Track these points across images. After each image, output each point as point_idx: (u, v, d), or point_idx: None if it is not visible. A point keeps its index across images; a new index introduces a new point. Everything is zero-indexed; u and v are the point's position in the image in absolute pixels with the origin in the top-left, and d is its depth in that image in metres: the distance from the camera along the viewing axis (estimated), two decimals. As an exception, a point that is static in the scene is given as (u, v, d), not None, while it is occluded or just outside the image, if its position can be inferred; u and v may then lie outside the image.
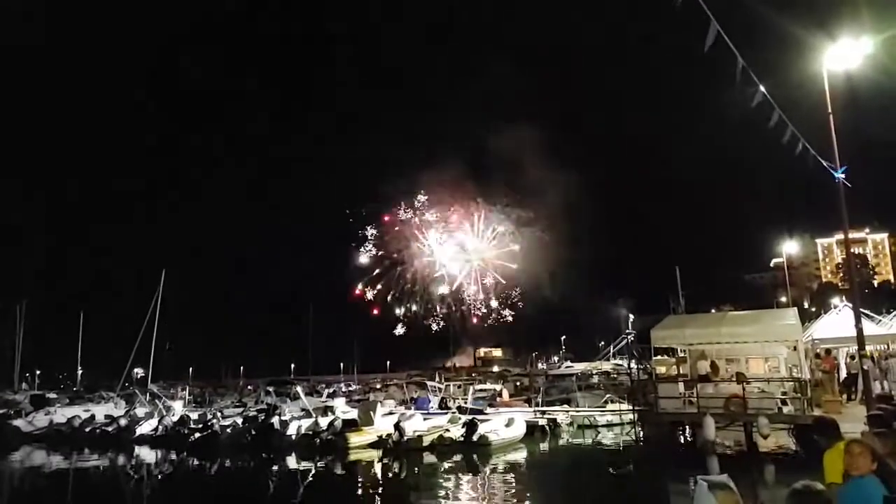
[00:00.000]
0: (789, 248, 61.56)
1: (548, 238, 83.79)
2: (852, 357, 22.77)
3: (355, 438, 25.96)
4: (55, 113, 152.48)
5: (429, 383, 41.02)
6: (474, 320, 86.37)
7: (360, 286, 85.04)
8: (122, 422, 32.67)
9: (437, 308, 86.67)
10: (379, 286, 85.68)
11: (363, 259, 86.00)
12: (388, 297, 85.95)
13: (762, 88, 11.14)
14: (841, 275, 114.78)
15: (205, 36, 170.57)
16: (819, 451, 5.25)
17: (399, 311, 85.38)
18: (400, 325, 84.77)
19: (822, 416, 6.24)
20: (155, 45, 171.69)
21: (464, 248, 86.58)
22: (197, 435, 28.94)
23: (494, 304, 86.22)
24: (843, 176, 15.93)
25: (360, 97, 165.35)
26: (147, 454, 27.99)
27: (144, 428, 31.37)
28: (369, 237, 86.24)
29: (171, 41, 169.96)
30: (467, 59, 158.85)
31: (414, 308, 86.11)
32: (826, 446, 5.19)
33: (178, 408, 34.75)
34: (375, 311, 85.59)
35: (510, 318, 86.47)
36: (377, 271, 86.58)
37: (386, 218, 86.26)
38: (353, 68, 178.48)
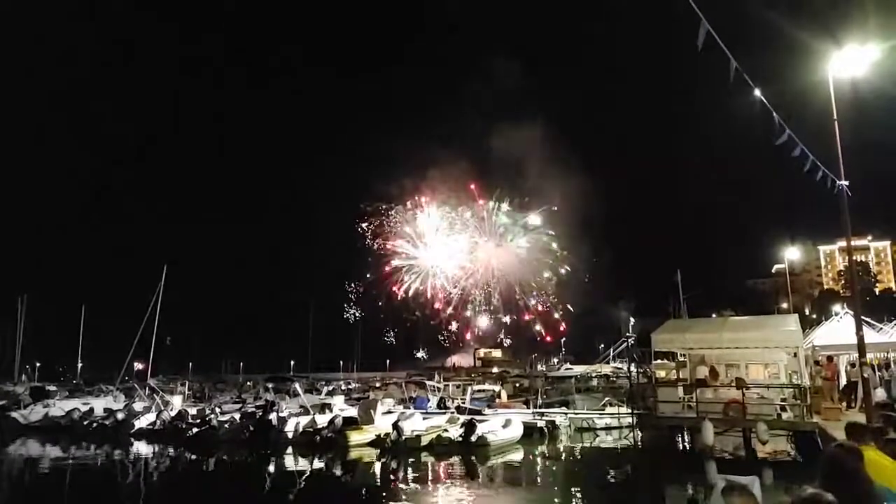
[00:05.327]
0: (791, 254, 61.22)
1: (552, 241, 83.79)
2: (852, 365, 22.71)
3: (355, 437, 25.96)
4: (50, 103, 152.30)
5: (428, 383, 40.98)
6: (477, 321, 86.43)
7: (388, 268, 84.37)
8: (121, 415, 32.67)
9: (439, 307, 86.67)
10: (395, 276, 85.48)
11: (368, 258, 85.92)
12: (394, 294, 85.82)
13: (757, 92, 11.09)
14: (842, 282, 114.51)
15: (209, 26, 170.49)
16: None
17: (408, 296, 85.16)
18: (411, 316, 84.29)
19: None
20: (155, 38, 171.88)
21: (467, 249, 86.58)
22: (195, 430, 28.97)
23: (496, 304, 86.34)
24: (846, 183, 15.89)
25: (364, 93, 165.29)
26: (144, 448, 28.02)
27: (142, 422, 31.39)
28: (373, 234, 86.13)
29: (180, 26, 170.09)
30: (470, 57, 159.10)
31: (418, 289, 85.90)
32: None
33: (176, 402, 34.78)
34: (395, 288, 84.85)
35: (512, 319, 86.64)
36: (383, 268, 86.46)
37: (389, 214, 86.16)
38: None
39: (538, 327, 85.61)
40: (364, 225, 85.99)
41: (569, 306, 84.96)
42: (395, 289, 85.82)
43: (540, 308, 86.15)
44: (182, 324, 68.68)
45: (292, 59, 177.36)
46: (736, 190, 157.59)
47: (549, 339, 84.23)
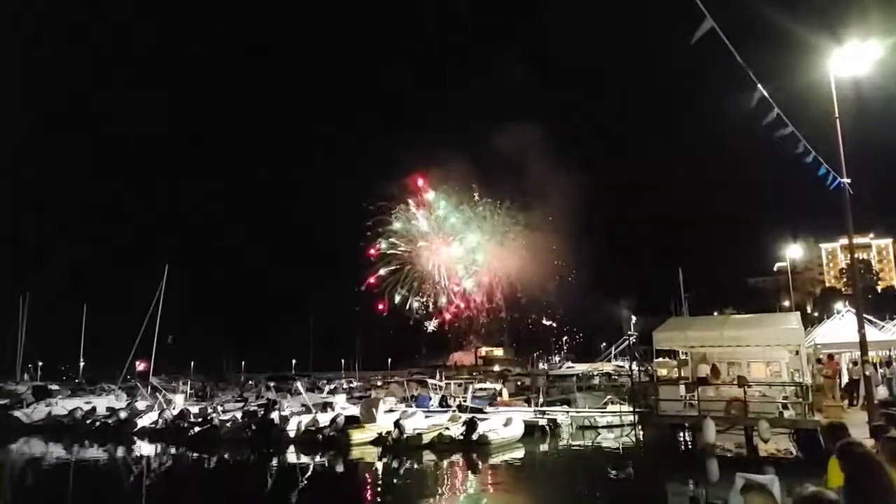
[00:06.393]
0: (793, 252, 61.08)
1: (552, 239, 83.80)
2: (854, 363, 22.71)
3: (357, 435, 25.98)
4: (50, 103, 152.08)
5: (429, 381, 40.97)
6: (481, 320, 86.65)
7: (373, 274, 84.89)
8: (123, 414, 32.73)
9: (441, 306, 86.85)
10: (386, 282, 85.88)
11: (370, 256, 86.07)
12: (395, 294, 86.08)
13: (761, 88, 11.07)
14: (844, 280, 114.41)
15: (209, 26, 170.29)
16: (820, 456, 5.22)
17: (408, 304, 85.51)
18: (427, 321, 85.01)
19: (832, 422, 6.12)
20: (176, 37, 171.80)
21: (469, 248, 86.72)
22: (197, 429, 29.02)
23: (498, 303, 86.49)
24: (848, 181, 15.87)
25: (365, 95, 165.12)
26: (147, 447, 28.09)
27: (145, 421, 31.44)
28: (375, 233, 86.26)
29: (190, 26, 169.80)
30: (471, 57, 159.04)
31: (417, 306, 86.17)
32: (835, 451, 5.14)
33: (178, 401, 34.86)
34: (381, 306, 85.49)
35: (514, 318, 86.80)
36: (383, 268, 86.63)
37: (391, 213, 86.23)
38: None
39: (539, 326, 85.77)
40: (367, 224, 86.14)
41: (570, 305, 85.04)
42: (396, 287, 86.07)
43: (541, 306, 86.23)
44: (183, 323, 68.57)
45: (292, 58, 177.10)
46: (738, 188, 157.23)
47: (550, 337, 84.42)
